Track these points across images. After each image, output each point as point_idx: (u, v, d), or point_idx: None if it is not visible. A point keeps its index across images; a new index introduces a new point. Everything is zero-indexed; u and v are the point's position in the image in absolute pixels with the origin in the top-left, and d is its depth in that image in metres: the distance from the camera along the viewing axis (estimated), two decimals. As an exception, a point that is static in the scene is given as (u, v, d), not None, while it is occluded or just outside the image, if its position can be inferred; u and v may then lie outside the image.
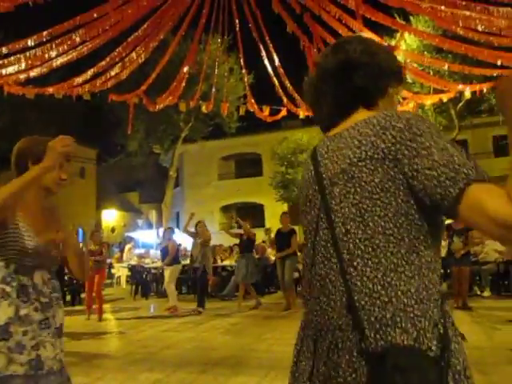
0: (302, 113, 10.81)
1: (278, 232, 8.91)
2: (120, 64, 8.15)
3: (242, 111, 11.15)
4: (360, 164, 1.02)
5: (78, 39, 6.65)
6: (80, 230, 30.00)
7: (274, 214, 17.72)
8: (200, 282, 9.24)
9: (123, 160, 25.99)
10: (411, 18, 14.89)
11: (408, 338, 0.93)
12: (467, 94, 11.82)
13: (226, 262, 12.38)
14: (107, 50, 7.82)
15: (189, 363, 4.96)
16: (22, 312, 1.73)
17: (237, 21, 8.91)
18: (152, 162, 28.00)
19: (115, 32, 7.18)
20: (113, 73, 8.38)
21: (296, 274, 11.13)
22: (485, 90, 10.85)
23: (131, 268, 13.50)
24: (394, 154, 0.98)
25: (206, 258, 9.38)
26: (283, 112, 10.39)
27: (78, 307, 10.49)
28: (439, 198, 0.94)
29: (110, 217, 30.85)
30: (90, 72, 7.73)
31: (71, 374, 1.93)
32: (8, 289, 1.74)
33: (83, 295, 12.59)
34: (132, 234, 21.24)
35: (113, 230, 30.41)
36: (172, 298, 9.16)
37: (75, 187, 24.72)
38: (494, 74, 9.06)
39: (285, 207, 25.85)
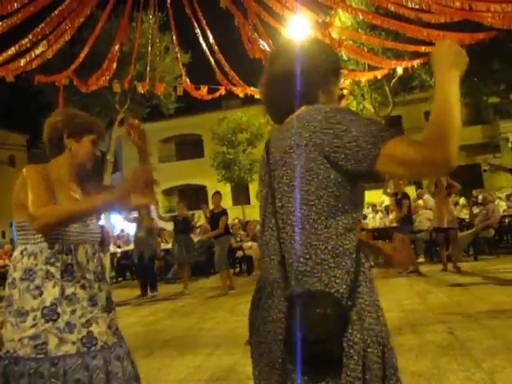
0: (241, 92, 10.73)
1: (212, 212, 8.74)
2: (45, 42, 7.64)
3: (179, 91, 10.88)
4: (290, 151, 1.26)
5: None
6: (13, 222, 28.50)
7: (217, 194, 17.53)
8: (149, 267, 9.13)
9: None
10: (345, -5, 15.07)
11: (320, 285, 1.18)
12: (399, 71, 12.22)
13: (170, 246, 12.23)
14: (29, 27, 7.29)
15: (133, 348, 4.78)
16: (69, 291, 1.71)
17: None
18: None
19: (37, 6, 6.70)
20: (38, 52, 7.85)
21: (241, 253, 11.23)
22: (416, 66, 11.24)
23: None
24: (314, 141, 1.21)
25: (153, 242, 9.30)
26: (221, 91, 10.26)
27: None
28: (361, 162, 1.16)
29: None
30: (11, 51, 7.19)
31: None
32: (52, 269, 1.71)
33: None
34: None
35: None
36: None
37: (4, 177, 23.36)
38: (423, 49, 9.38)
39: (228, 187, 25.86)
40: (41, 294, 1.68)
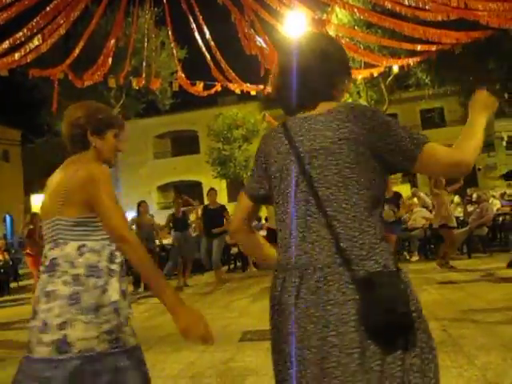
0: (237, 88, 10.72)
1: (206, 208, 8.67)
2: (40, 36, 7.58)
3: (175, 87, 10.85)
4: (339, 142, 1.33)
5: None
6: (7, 217, 28.39)
7: (213, 191, 17.50)
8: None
9: (52, 140, 24.65)
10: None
11: (379, 266, 1.28)
12: (395, 69, 12.24)
13: (165, 242, 12.20)
14: (24, 20, 7.23)
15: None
16: (123, 287, 1.78)
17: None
18: (83, 142, 26.81)
19: (32, 0, 6.64)
20: (32, 45, 7.78)
21: (235, 250, 11.22)
22: (412, 64, 11.27)
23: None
24: (364, 136, 1.33)
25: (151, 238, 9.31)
26: (217, 87, 10.23)
27: (7, 297, 9.95)
28: (407, 160, 1.34)
29: (41, 201, 29.27)
30: (5, 45, 7.13)
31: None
32: (113, 266, 1.74)
33: (13, 285, 12.02)
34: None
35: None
36: None
37: (-1, 171, 23.26)
38: (419, 47, 9.40)
39: (223, 184, 25.84)
40: (106, 290, 1.70)
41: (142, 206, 9.42)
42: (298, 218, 1.35)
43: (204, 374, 3.72)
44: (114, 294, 1.71)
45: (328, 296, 1.27)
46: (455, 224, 8.47)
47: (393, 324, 1.22)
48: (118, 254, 1.75)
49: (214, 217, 8.38)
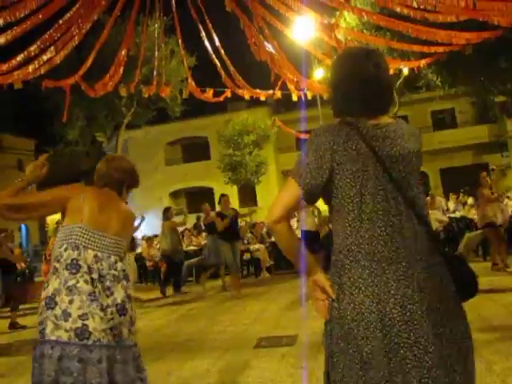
0: (247, 94, 10.75)
1: (219, 215, 8.65)
2: (53, 48, 7.68)
3: (185, 94, 10.91)
4: (413, 153, 1.55)
5: (1, 22, 6.16)
6: (23, 226, 28.69)
7: (224, 197, 17.51)
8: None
9: (64, 150, 24.91)
10: (349, -4, 15.05)
11: (447, 253, 1.58)
12: (405, 71, 12.19)
13: (191, 248, 12.28)
14: (38, 34, 7.34)
15: (143, 352, 4.78)
16: (128, 291, 2.08)
17: (173, 0, 8.64)
18: (96, 151, 27.07)
19: (45, 14, 6.75)
20: (45, 58, 7.89)
21: (248, 255, 11.22)
22: (422, 66, 11.20)
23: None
24: (418, 151, 1.58)
25: (173, 244, 9.44)
26: (227, 93, 10.27)
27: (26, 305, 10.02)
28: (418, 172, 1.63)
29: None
30: (20, 58, 7.25)
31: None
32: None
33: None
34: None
35: (58, 222, 29.29)
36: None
37: (12, 180, 23.34)
38: (429, 49, 9.33)
39: (234, 190, 25.86)
40: (112, 293, 2.03)
41: (169, 212, 9.73)
42: (392, 216, 1.48)
43: (219, 382, 3.73)
44: (118, 296, 2.02)
45: (441, 279, 1.48)
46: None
47: (476, 288, 1.58)
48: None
49: (232, 222, 8.40)
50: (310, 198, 1.53)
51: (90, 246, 2.04)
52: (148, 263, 12.36)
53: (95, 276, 1.99)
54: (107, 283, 2.02)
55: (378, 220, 1.47)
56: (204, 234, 11.44)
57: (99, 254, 2.05)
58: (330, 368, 1.47)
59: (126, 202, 2.45)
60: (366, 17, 10.48)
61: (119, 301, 2.02)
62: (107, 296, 1.99)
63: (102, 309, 1.94)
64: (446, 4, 7.40)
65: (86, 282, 1.95)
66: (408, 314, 1.39)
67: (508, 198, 12.63)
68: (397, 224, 1.47)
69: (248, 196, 27.01)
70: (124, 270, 2.10)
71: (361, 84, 1.56)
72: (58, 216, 3.13)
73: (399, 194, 1.49)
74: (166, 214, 9.60)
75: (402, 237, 1.46)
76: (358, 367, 1.38)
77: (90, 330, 1.90)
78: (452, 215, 10.80)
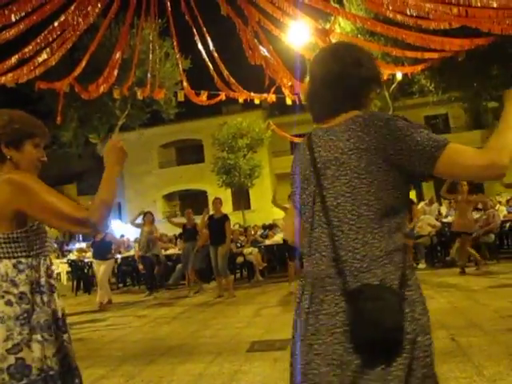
0: (241, 97, 10.78)
1: (211, 218, 8.70)
2: (48, 50, 7.67)
3: (180, 97, 10.93)
4: (349, 153, 1.32)
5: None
6: None
7: (218, 200, 17.52)
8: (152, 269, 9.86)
9: (57, 151, 24.78)
10: (344, 1, 15.15)
11: (376, 280, 1.26)
12: (399, 77, 12.28)
13: (171, 251, 12.21)
14: (32, 35, 7.32)
15: (134, 356, 4.86)
16: (62, 303, 1.68)
17: (168, 3, 8.65)
18: (89, 153, 26.93)
19: (40, 15, 6.73)
20: (40, 59, 7.88)
21: (241, 259, 11.20)
22: (415, 72, 11.29)
23: (71, 263, 12.97)
24: (375, 145, 1.30)
25: (155, 247, 9.90)
26: (221, 96, 10.30)
27: None
28: (425, 164, 1.28)
29: None
30: (15, 59, 7.22)
31: None
32: (52, 281, 1.66)
33: None
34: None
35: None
36: (107, 293, 8.89)
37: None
38: (422, 55, 9.42)
39: (228, 192, 25.85)
40: (50, 307, 1.60)
41: (146, 216, 9.99)
42: (313, 229, 1.39)
43: (212, 386, 3.72)
44: (59, 310, 1.62)
45: (322, 306, 1.31)
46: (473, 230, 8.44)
47: (376, 339, 1.21)
48: (53, 268, 1.66)
49: (216, 226, 8.42)
50: None
51: None
52: (140, 266, 12.29)
53: None
54: None
55: (306, 232, 1.43)
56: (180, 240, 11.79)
57: None
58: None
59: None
60: (359, 22, 10.54)
61: None
62: None
63: None
64: (439, 11, 7.48)
65: None
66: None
67: (500, 203, 12.73)
68: (315, 237, 1.39)
69: (241, 199, 27.02)
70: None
71: (309, 89, 1.52)
72: None
73: (319, 200, 1.38)
74: (143, 218, 10.07)
75: (315, 251, 1.38)
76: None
77: None
78: (444, 220, 10.85)
